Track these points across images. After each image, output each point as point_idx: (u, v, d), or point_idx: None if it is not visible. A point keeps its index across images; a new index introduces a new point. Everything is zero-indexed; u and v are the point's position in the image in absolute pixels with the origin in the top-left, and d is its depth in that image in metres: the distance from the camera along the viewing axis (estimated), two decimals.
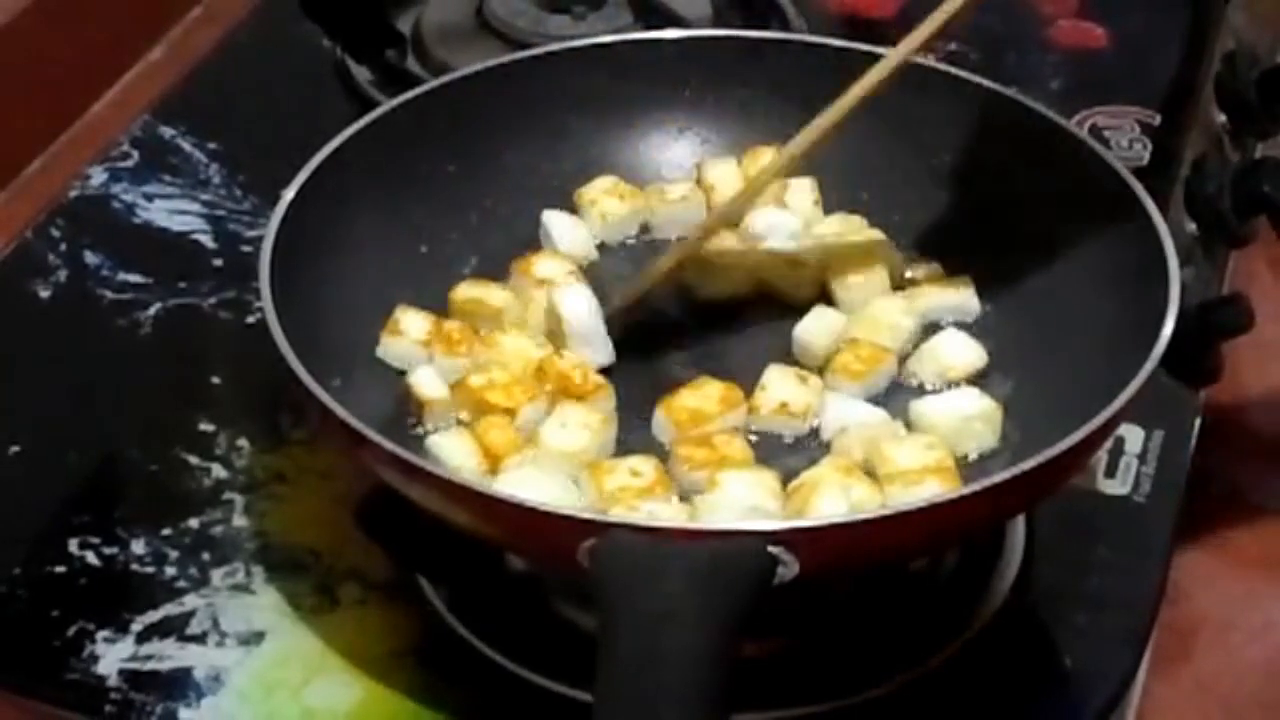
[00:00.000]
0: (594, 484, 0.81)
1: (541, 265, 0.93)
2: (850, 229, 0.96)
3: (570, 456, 0.83)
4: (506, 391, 0.86)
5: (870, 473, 0.82)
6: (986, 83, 0.95)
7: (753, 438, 0.86)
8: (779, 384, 0.86)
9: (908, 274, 0.94)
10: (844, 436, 0.84)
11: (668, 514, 0.80)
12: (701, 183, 0.98)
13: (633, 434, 0.86)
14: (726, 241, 0.94)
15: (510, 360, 0.88)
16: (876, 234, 0.95)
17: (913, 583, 0.86)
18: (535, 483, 0.81)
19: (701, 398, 0.85)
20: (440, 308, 0.91)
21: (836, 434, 0.85)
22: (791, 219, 0.95)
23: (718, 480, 0.81)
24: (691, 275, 0.93)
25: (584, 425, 0.84)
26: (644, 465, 0.82)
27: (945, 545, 0.85)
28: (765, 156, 0.97)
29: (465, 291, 0.91)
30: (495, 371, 0.87)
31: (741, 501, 0.80)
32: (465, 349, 0.88)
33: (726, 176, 0.97)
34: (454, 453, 0.83)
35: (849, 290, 0.92)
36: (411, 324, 0.89)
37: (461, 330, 0.89)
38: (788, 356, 0.89)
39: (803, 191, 0.97)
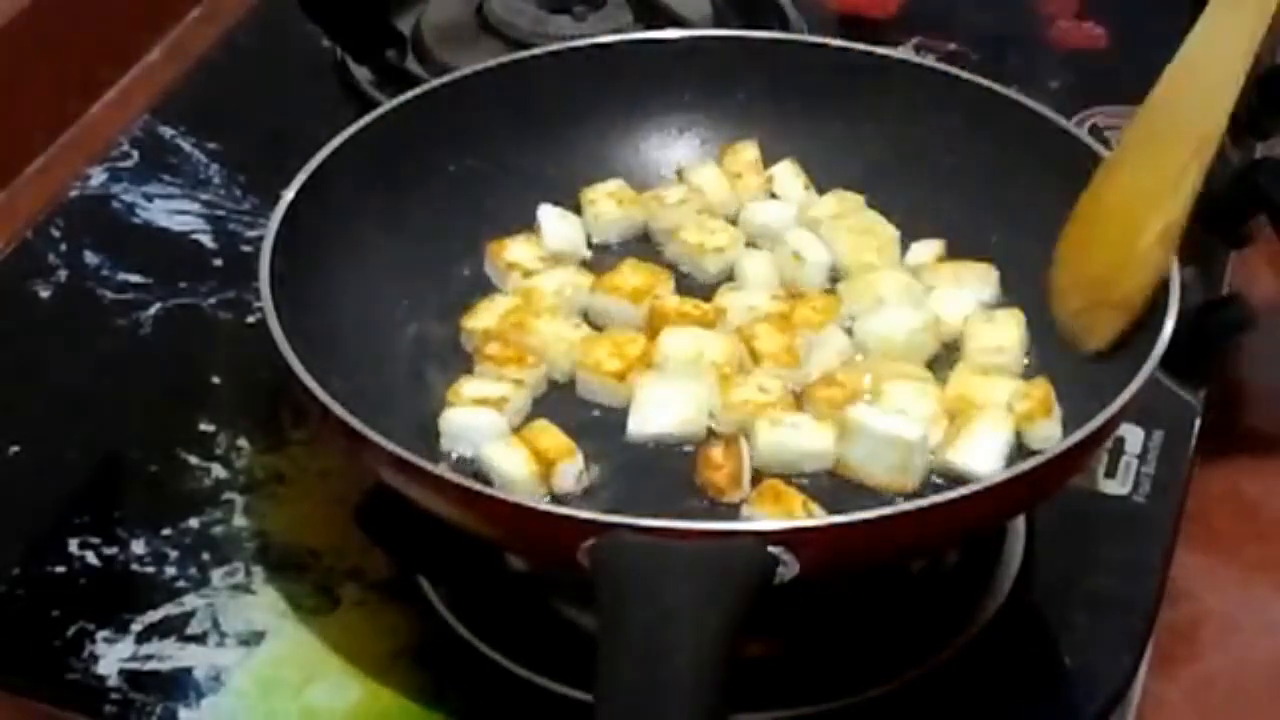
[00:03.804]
0: (722, 394, 0.84)
1: (514, 249, 0.93)
2: (849, 207, 0.95)
3: (692, 363, 0.86)
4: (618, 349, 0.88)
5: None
6: (987, 83, 0.95)
7: None
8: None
9: (906, 262, 0.94)
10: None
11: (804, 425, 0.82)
12: (688, 185, 0.97)
13: None
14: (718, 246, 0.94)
15: (551, 344, 0.88)
16: (875, 216, 0.95)
17: (913, 583, 0.86)
18: (663, 395, 0.85)
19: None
20: (440, 308, 0.91)
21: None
22: (786, 208, 0.96)
23: (883, 391, 0.84)
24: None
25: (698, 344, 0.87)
26: (771, 383, 0.85)
27: (945, 545, 0.85)
28: (745, 152, 0.97)
29: (477, 322, 0.90)
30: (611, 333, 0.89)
31: (908, 410, 0.83)
32: (515, 354, 0.87)
33: (709, 178, 0.97)
34: (505, 462, 0.82)
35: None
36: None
37: (502, 346, 0.88)
38: None
39: (788, 176, 0.97)
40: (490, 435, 0.84)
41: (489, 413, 0.85)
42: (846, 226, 0.94)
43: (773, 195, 0.97)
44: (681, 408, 0.85)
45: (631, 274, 0.91)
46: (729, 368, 0.86)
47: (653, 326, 0.89)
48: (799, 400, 0.86)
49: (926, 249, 0.94)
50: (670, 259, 0.94)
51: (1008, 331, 0.88)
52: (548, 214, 0.95)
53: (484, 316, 0.90)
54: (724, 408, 0.84)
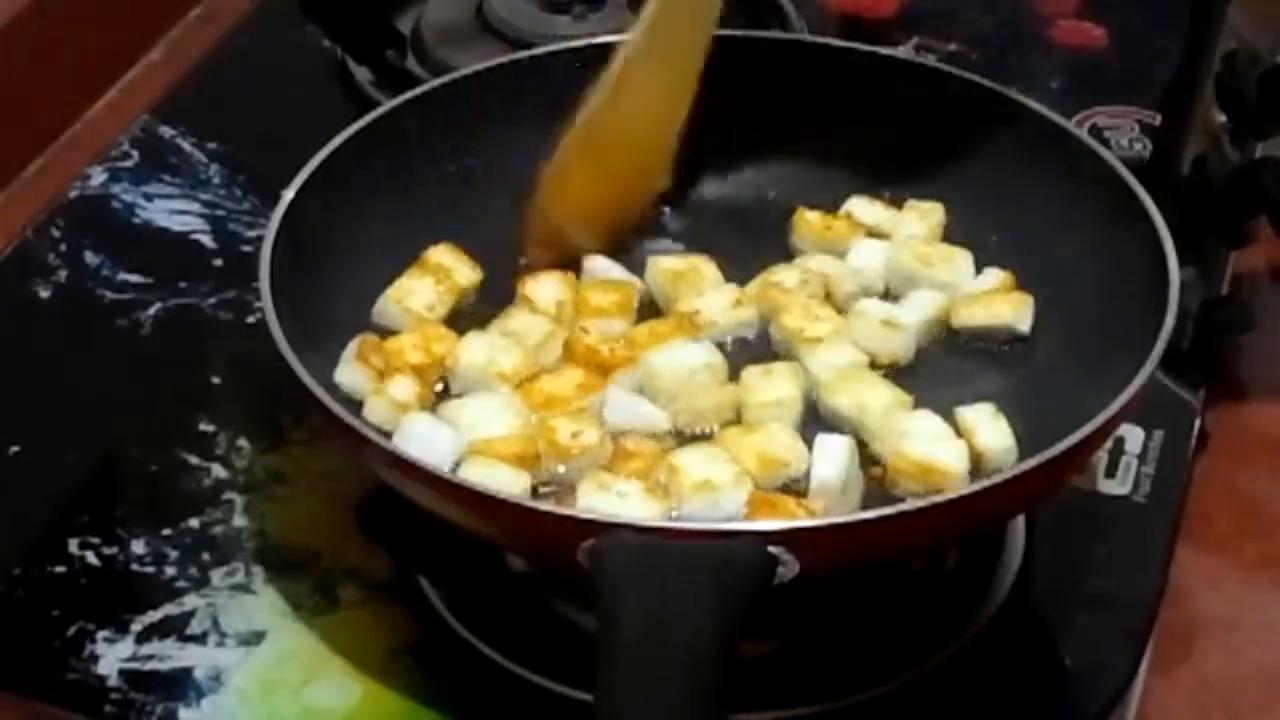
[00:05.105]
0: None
1: (542, 287, 0.91)
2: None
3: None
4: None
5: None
6: (987, 83, 0.95)
7: None
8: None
9: None
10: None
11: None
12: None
13: None
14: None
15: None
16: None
17: (913, 583, 0.86)
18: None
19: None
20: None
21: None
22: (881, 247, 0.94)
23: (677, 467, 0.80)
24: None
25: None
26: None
27: (945, 545, 0.85)
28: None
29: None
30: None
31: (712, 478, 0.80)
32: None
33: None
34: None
35: None
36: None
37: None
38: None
39: (863, 205, 0.95)
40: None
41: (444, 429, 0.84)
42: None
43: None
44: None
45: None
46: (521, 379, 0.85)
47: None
48: None
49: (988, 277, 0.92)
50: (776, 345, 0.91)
51: (786, 384, 0.85)
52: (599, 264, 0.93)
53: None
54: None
